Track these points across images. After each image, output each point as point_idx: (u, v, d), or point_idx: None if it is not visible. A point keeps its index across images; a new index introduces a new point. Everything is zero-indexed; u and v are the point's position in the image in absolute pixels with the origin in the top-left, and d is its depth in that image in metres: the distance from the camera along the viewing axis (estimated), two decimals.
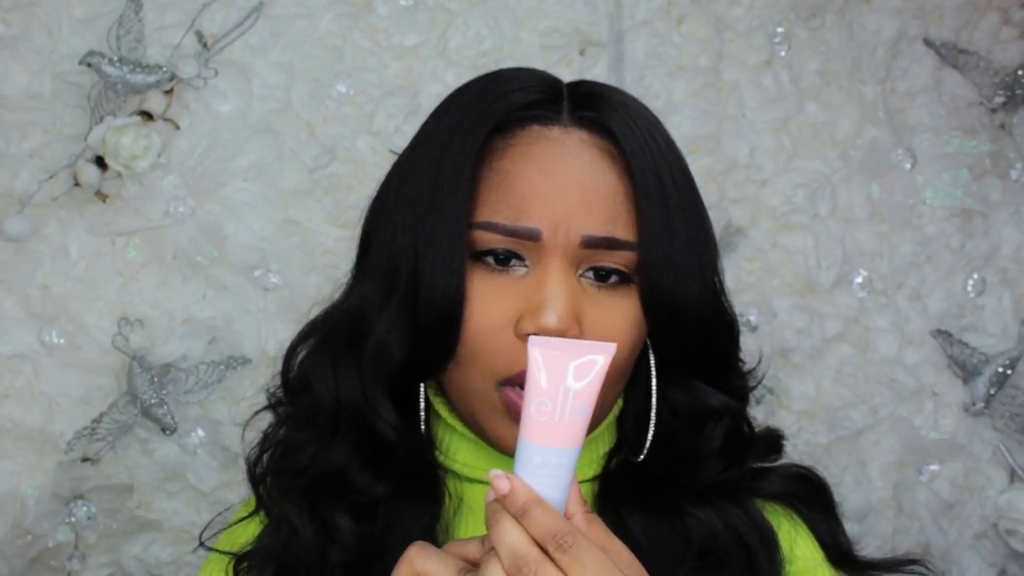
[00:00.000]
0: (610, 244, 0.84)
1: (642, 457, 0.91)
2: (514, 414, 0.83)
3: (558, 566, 0.67)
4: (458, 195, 0.84)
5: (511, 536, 0.68)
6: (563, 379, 0.71)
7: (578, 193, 0.84)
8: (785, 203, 1.51)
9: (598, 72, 1.47)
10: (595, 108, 0.87)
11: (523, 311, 0.83)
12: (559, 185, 0.83)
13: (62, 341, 1.34)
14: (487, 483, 0.89)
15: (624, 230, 0.85)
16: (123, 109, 1.34)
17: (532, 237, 0.83)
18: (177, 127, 1.36)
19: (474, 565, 0.71)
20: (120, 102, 1.34)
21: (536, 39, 1.46)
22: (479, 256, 0.84)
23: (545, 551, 0.68)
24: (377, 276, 0.88)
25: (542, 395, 0.71)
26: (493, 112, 0.86)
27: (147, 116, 1.35)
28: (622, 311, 0.85)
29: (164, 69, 1.34)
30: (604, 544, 0.71)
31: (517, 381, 0.83)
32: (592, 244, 0.83)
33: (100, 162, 1.33)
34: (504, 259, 0.84)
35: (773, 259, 1.52)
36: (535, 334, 0.81)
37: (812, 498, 0.95)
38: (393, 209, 0.89)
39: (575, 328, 0.82)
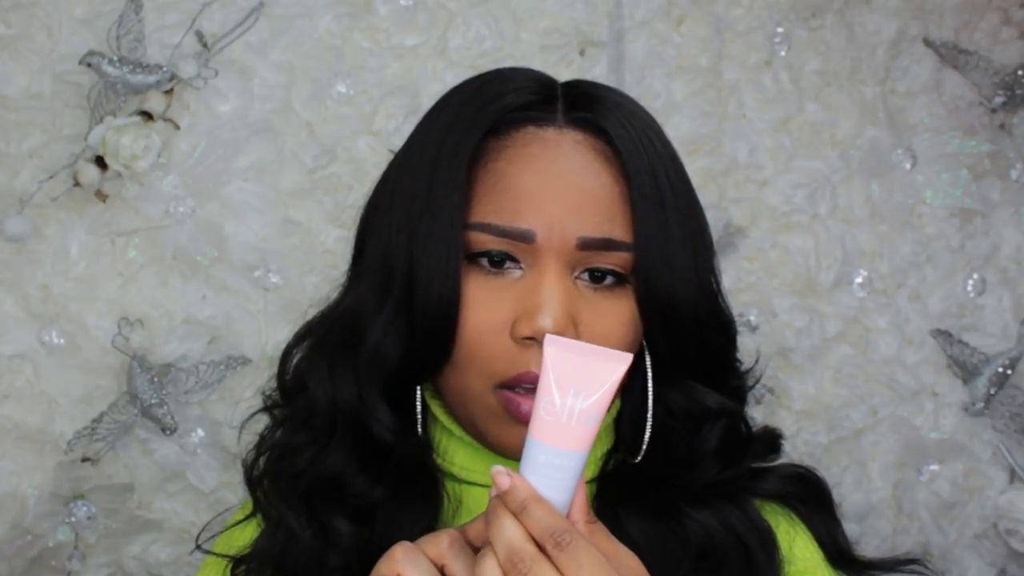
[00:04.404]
0: (606, 245, 0.84)
1: (639, 458, 0.91)
2: (512, 412, 0.83)
3: (554, 564, 0.67)
4: (453, 197, 0.83)
5: (508, 532, 0.68)
6: (575, 383, 0.71)
7: (573, 194, 0.83)
8: (785, 203, 1.51)
9: (598, 72, 1.47)
10: (590, 109, 0.87)
11: (519, 314, 0.82)
12: (554, 187, 0.83)
13: (62, 341, 1.34)
14: (485, 486, 0.90)
15: (620, 231, 0.84)
16: (123, 109, 1.35)
17: (526, 238, 0.83)
18: (177, 127, 1.36)
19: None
20: (120, 102, 1.34)
21: (536, 39, 1.46)
22: (473, 258, 0.84)
23: (543, 549, 0.68)
24: (372, 278, 0.88)
25: (552, 394, 0.71)
26: (488, 113, 0.86)
27: (147, 116, 1.35)
28: (618, 312, 0.85)
29: (164, 69, 1.34)
30: (607, 551, 0.71)
31: (514, 384, 0.83)
32: (588, 245, 0.83)
33: (100, 162, 1.33)
34: (499, 261, 0.84)
35: (773, 259, 1.52)
36: (531, 337, 0.81)
37: (811, 498, 0.95)
38: (388, 210, 0.89)
39: (571, 330, 0.82)
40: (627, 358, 0.72)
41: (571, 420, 0.71)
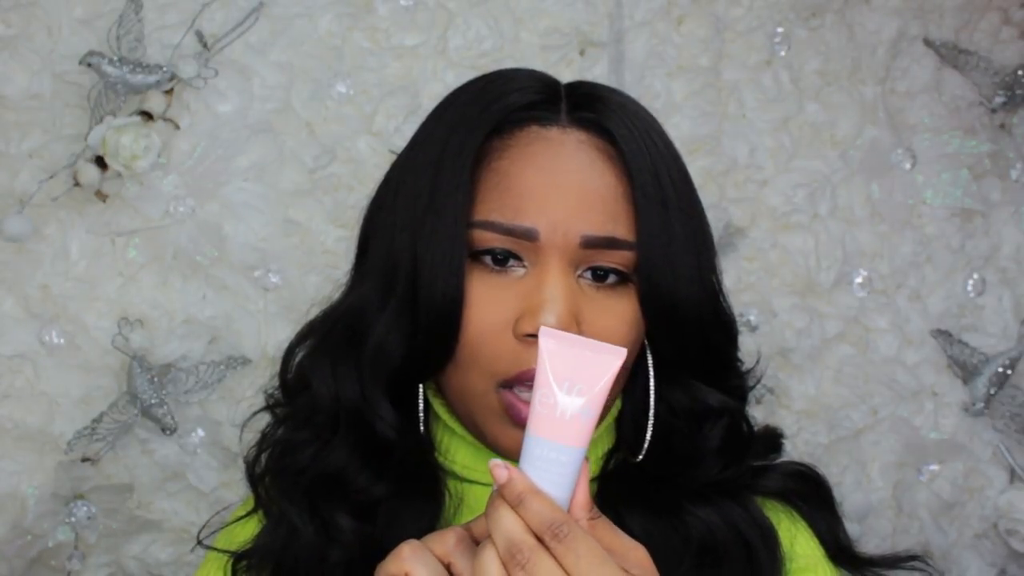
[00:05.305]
0: (609, 244, 0.84)
1: (641, 457, 0.91)
2: (513, 417, 0.84)
3: (553, 555, 0.68)
4: (457, 196, 0.84)
5: (506, 523, 0.69)
6: (570, 376, 0.71)
7: (576, 193, 0.84)
8: (785, 203, 1.51)
9: (598, 72, 1.47)
10: (593, 109, 0.87)
11: (522, 312, 0.82)
12: (557, 186, 0.84)
13: (62, 341, 1.34)
14: (487, 484, 0.90)
15: (623, 230, 0.85)
16: (123, 109, 1.34)
17: (529, 237, 0.83)
18: (177, 127, 1.36)
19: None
20: (120, 102, 1.34)
21: (536, 39, 1.46)
22: (477, 256, 0.84)
23: (542, 541, 0.68)
24: (376, 277, 0.88)
25: (547, 388, 0.71)
26: (492, 113, 0.86)
27: (147, 116, 1.35)
28: (620, 311, 0.85)
29: (164, 69, 1.34)
30: (611, 544, 0.71)
31: (517, 382, 0.83)
32: (591, 244, 0.83)
33: (100, 162, 1.33)
34: (502, 259, 0.84)
35: (773, 259, 1.52)
36: (533, 334, 0.81)
37: (812, 495, 0.95)
38: (391, 210, 0.89)
39: (574, 328, 0.82)
40: (622, 352, 0.72)
41: (565, 414, 0.71)
